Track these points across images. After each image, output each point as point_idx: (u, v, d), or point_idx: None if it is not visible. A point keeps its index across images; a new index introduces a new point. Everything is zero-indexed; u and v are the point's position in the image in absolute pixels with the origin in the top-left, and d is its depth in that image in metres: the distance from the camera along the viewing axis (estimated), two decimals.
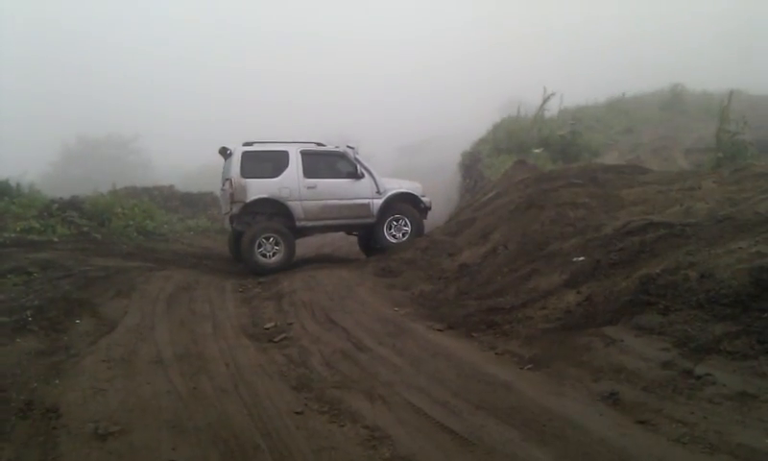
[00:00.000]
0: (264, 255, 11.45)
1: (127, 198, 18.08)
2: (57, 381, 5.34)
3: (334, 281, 9.37)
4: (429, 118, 43.71)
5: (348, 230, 13.25)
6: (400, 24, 74.95)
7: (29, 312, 7.04)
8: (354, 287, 8.96)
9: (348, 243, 16.61)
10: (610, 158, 18.88)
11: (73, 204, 15.41)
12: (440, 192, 13.83)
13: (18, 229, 13.01)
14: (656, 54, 46.44)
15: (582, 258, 7.24)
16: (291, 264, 11.57)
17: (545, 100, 22.66)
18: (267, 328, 7.22)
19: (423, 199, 12.91)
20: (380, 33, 72.45)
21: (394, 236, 12.36)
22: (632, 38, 52.44)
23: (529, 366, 5.18)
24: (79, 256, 10.99)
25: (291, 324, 7.30)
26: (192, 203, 22.67)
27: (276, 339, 6.75)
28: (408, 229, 12.40)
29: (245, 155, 11.66)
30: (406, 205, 12.65)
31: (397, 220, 12.42)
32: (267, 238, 11.46)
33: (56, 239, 12.71)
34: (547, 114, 23.73)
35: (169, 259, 12.75)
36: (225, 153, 12.23)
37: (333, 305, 7.94)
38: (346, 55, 66.79)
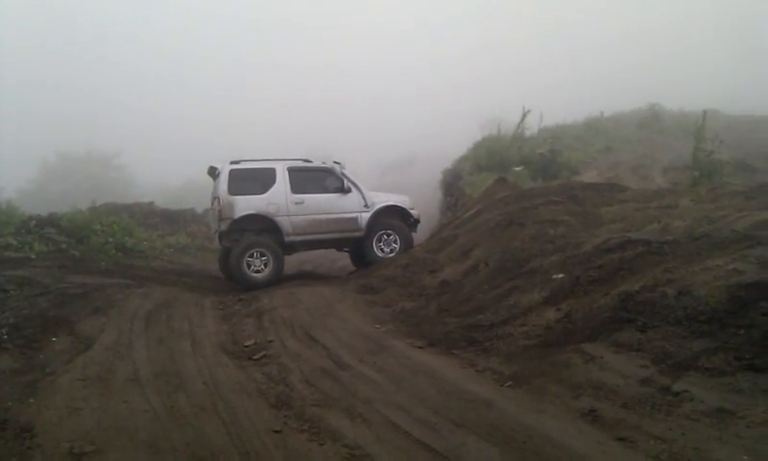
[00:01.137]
0: (254, 271, 11.46)
1: (106, 215, 17.89)
2: (32, 400, 5.26)
3: (315, 298, 9.33)
4: (411, 137, 44.02)
5: (338, 244, 13.23)
6: (382, 48, 75.42)
7: (4, 330, 6.93)
8: (335, 304, 8.93)
9: (328, 260, 16.58)
10: (589, 176, 19.04)
11: (51, 220, 15.24)
12: (421, 209, 13.84)
13: None
14: (634, 73, 47.25)
15: (561, 275, 7.28)
16: (279, 280, 11.54)
17: (523, 118, 22.87)
18: (246, 346, 7.15)
19: (412, 212, 13.00)
20: (361, 56, 72.84)
21: (382, 250, 12.42)
22: (611, 58, 53.31)
23: (509, 383, 5.18)
24: (56, 274, 10.86)
25: (271, 341, 7.24)
26: (172, 219, 22.53)
27: (255, 357, 6.69)
28: (397, 244, 12.47)
29: (232, 172, 11.73)
30: (395, 218, 12.75)
31: (388, 234, 12.50)
32: (255, 253, 11.48)
33: (33, 256, 12.56)
34: (527, 133, 23.91)
35: (148, 276, 12.64)
36: (213, 172, 12.26)
37: (314, 322, 7.90)
38: (328, 77, 67.14)
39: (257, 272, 11.48)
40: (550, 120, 26.74)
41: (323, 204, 12.21)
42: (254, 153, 12.73)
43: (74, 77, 61.85)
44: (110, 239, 15.54)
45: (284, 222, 11.87)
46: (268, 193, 11.84)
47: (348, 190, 12.32)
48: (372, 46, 73.63)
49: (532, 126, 24.18)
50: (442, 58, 67.82)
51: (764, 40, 45.68)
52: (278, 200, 11.85)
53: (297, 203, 11.95)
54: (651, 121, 30.98)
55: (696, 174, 13.42)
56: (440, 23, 79.45)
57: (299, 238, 12.10)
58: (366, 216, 12.39)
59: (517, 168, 19.89)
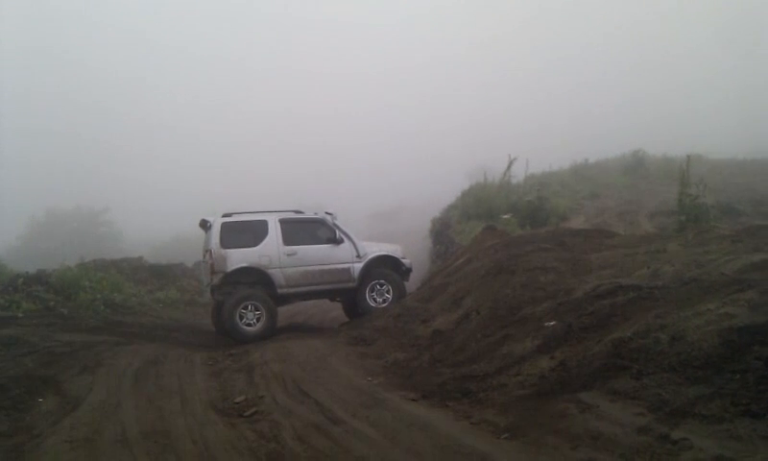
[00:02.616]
0: (246, 324, 11.39)
1: (95, 271, 17.76)
2: None
3: (306, 351, 9.23)
4: (399, 186, 44.37)
5: (330, 295, 13.22)
6: (368, 97, 76.54)
7: None
8: (327, 357, 8.83)
9: (320, 311, 16.47)
10: (576, 223, 19.20)
11: (39, 278, 15.10)
12: (411, 258, 13.87)
13: None
14: (617, 119, 48.13)
15: (554, 323, 7.25)
16: (273, 333, 11.46)
17: (509, 166, 23.17)
18: (237, 402, 7.04)
19: (404, 261, 13.03)
20: (349, 105, 73.83)
21: (375, 300, 12.40)
22: (593, 104, 54.35)
23: (505, 435, 5.11)
24: (44, 332, 10.72)
25: (262, 397, 7.12)
26: (161, 274, 22.35)
27: (246, 413, 6.57)
28: (390, 295, 12.45)
29: (224, 226, 11.80)
30: (387, 268, 12.76)
31: (381, 284, 12.50)
32: (248, 307, 11.44)
33: (20, 314, 12.40)
34: (514, 180, 24.18)
35: (137, 333, 12.49)
36: (205, 225, 12.30)
37: (305, 376, 7.79)
38: (316, 125, 67.91)
39: (250, 325, 11.41)
40: (536, 167, 27.13)
41: (315, 255, 12.24)
42: (244, 202, 12.89)
43: (61, 133, 62.16)
44: (99, 296, 15.40)
45: (277, 274, 11.88)
46: (260, 246, 11.87)
47: (341, 241, 12.37)
48: (359, 95, 74.70)
49: (518, 173, 24.48)
50: (427, 106, 68.88)
51: (746, 86, 46.76)
52: (271, 252, 11.87)
53: (289, 254, 11.98)
54: (635, 167, 31.42)
55: (682, 218, 13.52)
56: (423, 72, 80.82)
57: (291, 290, 12.11)
58: (358, 266, 12.42)
59: (506, 216, 20.02)
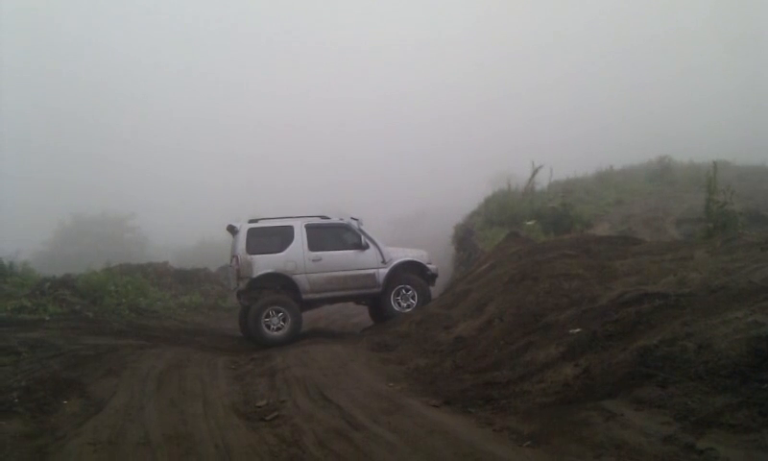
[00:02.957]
0: (271, 328, 11.55)
1: (120, 275, 18.00)
2: None
3: (328, 357, 9.24)
4: (422, 192, 44.37)
5: (355, 300, 13.26)
6: (392, 104, 76.66)
7: (15, 394, 6.90)
8: (348, 362, 8.82)
9: (342, 317, 16.50)
10: (601, 230, 19.01)
11: (65, 282, 15.34)
12: (434, 264, 13.84)
13: (9, 308, 12.91)
14: (644, 126, 47.61)
15: (578, 330, 7.17)
16: (297, 337, 11.55)
17: (534, 173, 23.05)
18: (259, 406, 7.06)
19: (430, 266, 13.03)
20: (372, 113, 73.99)
21: (400, 305, 12.45)
22: (620, 111, 53.84)
23: (528, 443, 5.05)
24: (69, 335, 10.85)
25: (284, 401, 7.13)
26: (186, 279, 22.59)
27: (267, 417, 6.59)
28: (414, 300, 12.49)
29: (250, 231, 11.95)
30: (412, 273, 12.78)
31: (406, 289, 12.54)
32: (273, 311, 11.57)
33: (47, 318, 12.59)
34: (538, 187, 24.04)
35: (161, 336, 12.61)
36: (232, 230, 12.42)
37: (327, 381, 7.79)
38: (340, 135, 68.18)
39: (276, 330, 11.56)
40: (560, 174, 26.95)
41: (340, 260, 12.31)
42: (268, 213, 12.89)
43: (89, 142, 63.26)
44: (124, 300, 15.61)
45: (302, 280, 11.99)
46: (286, 251, 11.98)
47: (366, 246, 12.43)
48: (383, 103, 74.85)
49: (542, 180, 24.37)
50: (451, 113, 68.76)
51: None
52: (296, 257, 11.98)
53: (314, 260, 12.08)
54: (661, 173, 31.03)
55: (710, 226, 13.29)
56: (449, 79, 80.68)
57: (317, 295, 12.23)
58: (383, 272, 12.47)
59: (529, 222, 19.88)
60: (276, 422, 6.45)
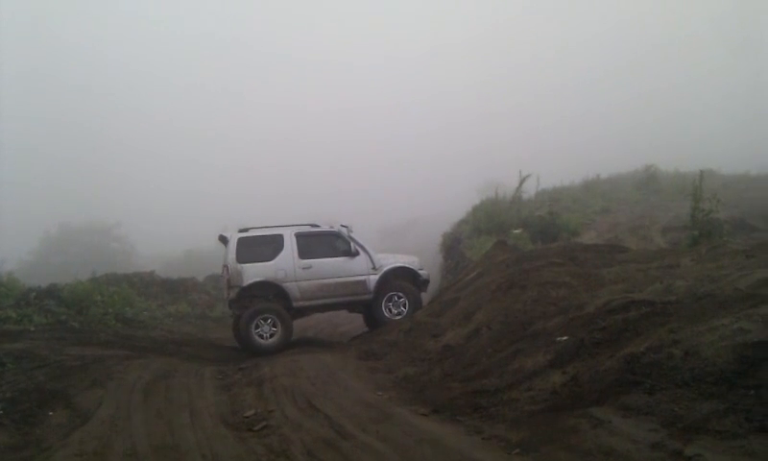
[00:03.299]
0: (262, 337, 11.54)
1: (106, 285, 17.88)
2: None
3: (316, 366, 9.21)
4: (409, 201, 44.42)
5: (347, 307, 13.25)
6: (380, 114, 76.79)
7: (0, 405, 6.84)
8: (337, 372, 8.81)
9: (330, 325, 16.46)
10: (588, 238, 19.11)
11: (51, 292, 15.20)
12: (425, 270, 13.87)
13: None
14: (630, 136, 47.97)
15: (565, 338, 7.19)
16: (288, 345, 11.56)
17: (522, 182, 23.11)
18: (247, 416, 7.03)
19: (421, 272, 13.03)
20: (360, 123, 74.01)
21: (391, 311, 12.42)
22: (606, 121, 54.23)
23: (517, 451, 5.06)
24: (55, 346, 10.75)
25: (272, 411, 7.10)
26: (173, 289, 22.46)
27: (255, 427, 6.56)
28: (405, 308, 12.46)
29: (240, 241, 12.00)
30: (403, 280, 12.77)
31: (398, 296, 12.53)
32: (264, 320, 11.58)
33: (32, 328, 12.46)
34: (525, 196, 24.12)
35: (148, 347, 12.51)
36: (224, 240, 12.43)
37: (315, 391, 7.77)
38: (327, 145, 68.14)
39: (265, 338, 11.57)
40: (547, 183, 27.06)
41: (330, 268, 12.32)
42: (258, 221, 12.91)
43: (74, 149, 62.81)
44: (110, 310, 15.48)
45: (292, 288, 12.02)
46: (276, 260, 12.02)
47: (356, 253, 12.44)
48: (374, 114, 74.93)
49: (529, 189, 24.43)
50: (440, 124, 68.93)
51: (760, 101, 46.52)
52: (286, 266, 12.02)
53: (304, 268, 12.11)
54: (647, 182, 31.24)
55: (695, 233, 13.41)
56: (438, 91, 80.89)
57: (307, 303, 12.26)
58: (374, 278, 12.46)
59: (517, 231, 19.96)
60: (265, 432, 6.42)
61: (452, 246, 22.77)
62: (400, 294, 12.54)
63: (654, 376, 5.30)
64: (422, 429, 5.93)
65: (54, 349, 10.42)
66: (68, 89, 74.03)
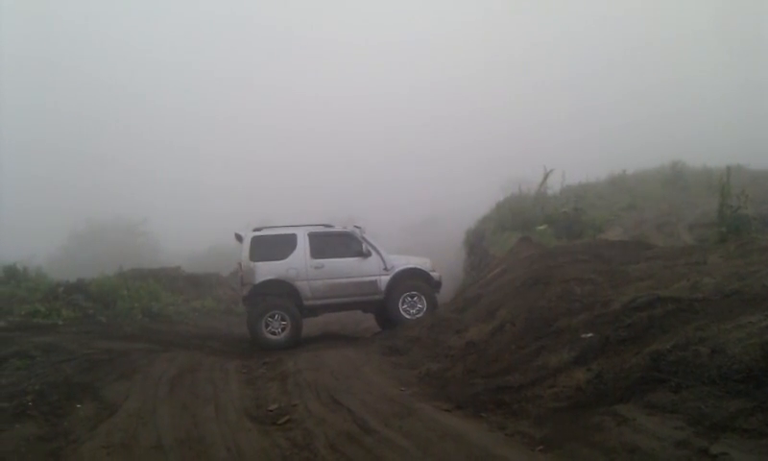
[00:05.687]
0: (271, 332, 11.78)
1: (133, 280, 18.12)
2: None
3: (339, 361, 9.26)
4: (433, 198, 44.25)
5: (358, 307, 13.40)
6: (401, 110, 76.54)
7: (29, 397, 6.96)
8: (360, 366, 8.84)
9: (353, 321, 16.51)
10: (614, 234, 18.90)
11: (79, 286, 15.45)
12: (445, 269, 13.89)
13: (23, 312, 13.02)
14: (656, 129, 47.31)
15: (590, 335, 7.13)
16: (298, 342, 11.78)
17: (545, 177, 22.94)
18: (270, 410, 7.08)
19: (433, 274, 13.08)
20: (381, 119, 73.85)
21: (408, 312, 12.49)
22: (631, 114, 53.50)
23: (540, 447, 5.03)
24: (82, 339, 10.94)
25: (295, 405, 7.15)
26: (198, 284, 22.70)
27: (279, 421, 6.61)
28: (422, 305, 12.55)
29: (254, 239, 12.27)
30: (418, 280, 12.84)
31: (412, 296, 12.60)
32: (273, 316, 11.82)
33: (60, 322, 12.69)
34: (549, 192, 23.94)
35: (173, 341, 12.67)
36: (239, 238, 12.68)
37: (338, 385, 7.80)
38: (350, 141, 68.04)
39: (275, 334, 11.80)
40: (572, 178, 26.77)
41: (342, 268, 12.52)
42: (278, 218, 13.14)
43: (102, 145, 63.57)
44: (137, 304, 15.69)
45: (303, 286, 12.23)
46: (288, 259, 12.26)
47: (368, 254, 12.58)
48: (392, 108, 74.71)
49: (554, 185, 24.25)
50: (461, 115, 68.50)
51: None
52: (298, 265, 12.25)
53: (316, 267, 12.32)
54: (674, 178, 30.80)
55: (723, 230, 13.20)
56: (458, 83, 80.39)
57: (318, 302, 12.44)
58: (385, 279, 12.62)
59: (541, 227, 19.80)
60: (288, 425, 6.47)
61: (476, 242, 22.71)
62: (415, 294, 12.64)
63: (680, 374, 5.24)
64: (445, 425, 5.92)
65: (81, 342, 10.60)
66: (94, 86, 74.94)
